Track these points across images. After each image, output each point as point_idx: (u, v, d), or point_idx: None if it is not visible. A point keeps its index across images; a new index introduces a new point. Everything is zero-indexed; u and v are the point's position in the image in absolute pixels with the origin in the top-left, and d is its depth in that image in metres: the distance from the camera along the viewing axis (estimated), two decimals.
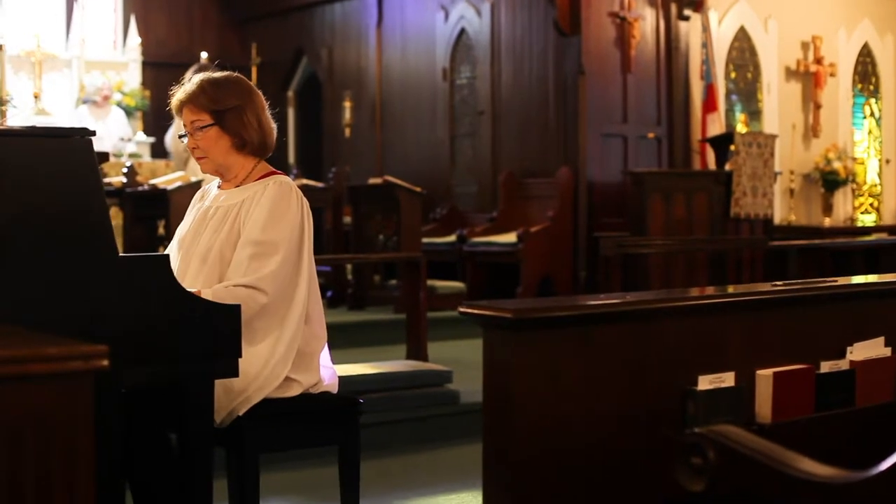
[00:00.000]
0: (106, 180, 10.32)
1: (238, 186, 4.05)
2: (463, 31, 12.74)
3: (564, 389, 2.98)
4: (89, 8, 15.10)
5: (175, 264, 3.98)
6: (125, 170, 10.27)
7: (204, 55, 13.50)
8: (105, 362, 2.18)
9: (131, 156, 13.32)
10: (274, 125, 4.12)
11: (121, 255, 3.28)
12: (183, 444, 3.56)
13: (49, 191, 3.18)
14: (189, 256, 3.98)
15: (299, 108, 14.90)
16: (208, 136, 3.97)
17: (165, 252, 4.01)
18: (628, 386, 3.13)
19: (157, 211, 9.42)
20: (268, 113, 4.08)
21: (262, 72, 15.02)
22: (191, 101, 3.99)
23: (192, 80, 4.06)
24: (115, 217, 11.36)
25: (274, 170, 4.10)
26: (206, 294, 3.68)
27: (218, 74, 4.07)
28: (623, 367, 3.11)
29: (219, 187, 4.15)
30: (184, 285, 3.83)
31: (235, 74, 4.12)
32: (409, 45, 13.45)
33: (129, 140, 13.71)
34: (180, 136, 4.11)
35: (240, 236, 3.90)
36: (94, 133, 3.22)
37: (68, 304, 3.18)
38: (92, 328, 3.18)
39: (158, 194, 9.44)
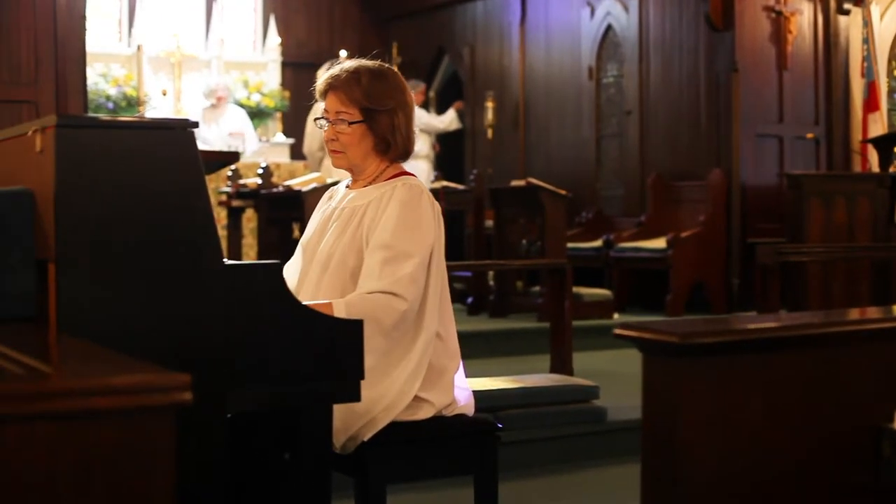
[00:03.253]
0: (241, 181, 10.13)
1: (366, 186, 3.68)
2: (609, 27, 12.32)
3: (736, 424, 2.54)
4: (229, 8, 15.05)
5: (297, 269, 3.64)
6: (260, 171, 10.06)
7: (344, 54, 13.26)
8: (188, 395, 1.81)
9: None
10: (417, 130, 3.74)
11: (227, 262, 2.90)
12: (297, 473, 3.18)
13: (148, 189, 2.81)
14: (310, 262, 3.63)
15: (441, 108, 14.63)
16: (353, 134, 3.62)
17: (292, 261, 3.67)
18: (810, 421, 2.67)
19: (291, 213, 9.21)
20: (414, 116, 3.71)
21: (403, 71, 14.60)
22: (342, 89, 3.63)
23: (344, 66, 3.68)
24: (251, 219, 11.20)
25: (405, 171, 3.74)
26: (340, 305, 3.32)
27: (374, 65, 3.68)
28: (804, 399, 2.65)
29: (347, 186, 3.78)
30: (303, 293, 3.48)
31: (393, 68, 3.73)
32: (554, 42, 13.07)
33: (242, 139, 13.46)
34: (316, 119, 3.73)
35: (363, 242, 3.53)
36: (196, 125, 2.86)
37: (167, 317, 2.81)
38: (193, 345, 2.81)
39: (293, 196, 9.22)
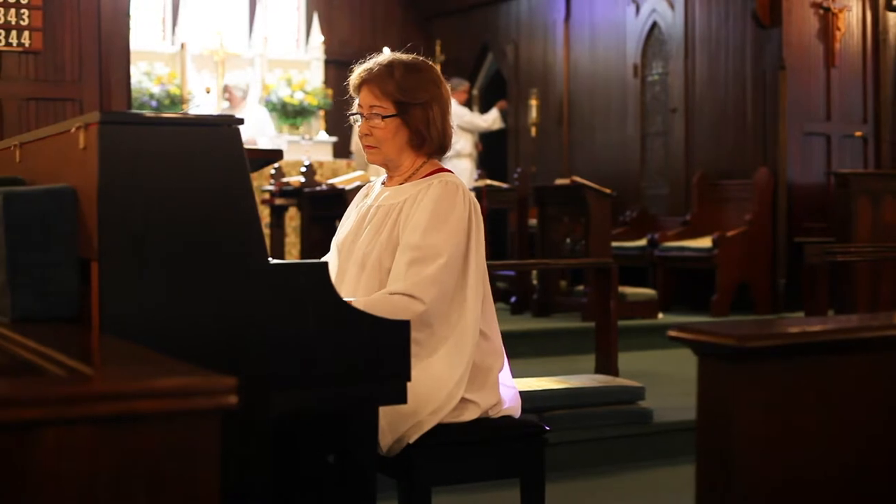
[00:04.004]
0: (284, 179, 10.11)
1: (402, 184, 3.62)
2: (655, 24, 12.21)
3: (795, 433, 2.47)
4: (272, 7, 15.04)
5: (334, 268, 3.58)
6: (304, 169, 10.02)
7: (387, 51, 13.20)
8: (233, 399, 1.75)
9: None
10: (453, 124, 3.67)
11: (272, 261, 2.85)
12: (342, 476, 3.12)
13: (192, 187, 2.76)
14: (347, 261, 3.57)
15: (484, 106, 14.56)
16: (387, 128, 3.55)
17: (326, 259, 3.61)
18: (869, 425, 2.59)
19: (334, 211, 9.17)
20: (450, 110, 3.63)
21: (446, 70, 14.73)
22: (376, 83, 3.56)
23: (378, 59, 3.61)
24: (293, 218, 11.18)
25: (442, 167, 3.66)
26: (360, 303, 3.25)
27: (408, 58, 3.61)
28: (870, 407, 2.57)
29: (382, 183, 3.72)
30: (342, 293, 3.42)
31: (428, 61, 3.66)
32: (598, 40, 12.98)
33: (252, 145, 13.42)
34: (350, 114, 3.68)
35: (399, 241, 3.47)
36: (241, 122, 2.80)
37: (211, 317, 2.76)
38: (237, 346, 2.76)
39: (336, 194, 9.18)
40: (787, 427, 2.45)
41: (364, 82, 3.59)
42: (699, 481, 2.52)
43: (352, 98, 3.68)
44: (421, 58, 3.66)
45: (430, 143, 3.59)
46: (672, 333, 2.47)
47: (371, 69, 3.58)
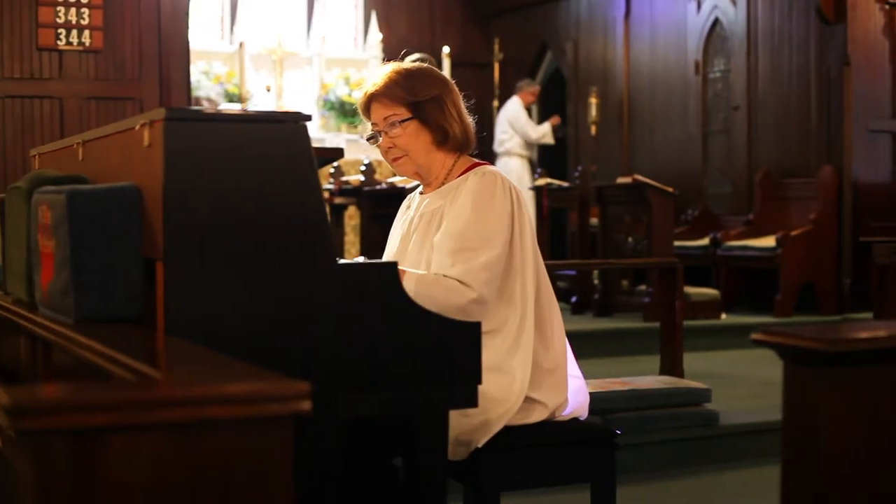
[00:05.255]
0: (344, 178, 10.07)
1: (440, 188, 3.55)
2: (717, 21, 12.07)
3: (886, 439, 2.37)
4: (330, 5, 15.02)
5: None
6: (363, 167, 9.98)
7: (446, 50, 13.17)
8: (307, 405, 1.69)
9: None
10: (471, 120, 3.60)
11: (341, 261, 2.78)
12: (411, 481, 3.05)
13: (259, 185, 2.69)
14: None
15: (543, 104, 14.48)
16: (407, 133, 3.48)
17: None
18: None
19: (394, 209, 9.08)
20: (464, 106, 3.57)
21: (505, 68, 14.70)
22: (383, 94, 3.50)
23: (378, 73, 3.56)
24: (352, 217, 11.15)
25: (477, 161, 3.59)
26: (410, 277, 3.18)
27: (408, 64, 3.58)
28: None
29: (421, 192, 3.65)
30: None
31: (426, 65, 3.62)
32: (659, 37, 12.86)
33: None
34: (369, 139, 3.62)
35: None
36: (309, 118, 2.74)
37: (278, 319, 2.69)
38: (305, 348, 2.70)
39: (396, 193, 9.12)
40: (877, 433, 2.36)
41: (371, 99, 3.53)
42: (784, 488, 2.43)
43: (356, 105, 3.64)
44: (417, 63, 3.62)
45: (453, 137, 3.52)
46: (757, 337, 2.38)
47: (375, 84, 3.53)
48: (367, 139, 3.63)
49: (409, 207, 3.70)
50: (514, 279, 3.39)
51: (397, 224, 3.71)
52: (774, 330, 2.33)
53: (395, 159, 3.55)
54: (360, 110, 3.61)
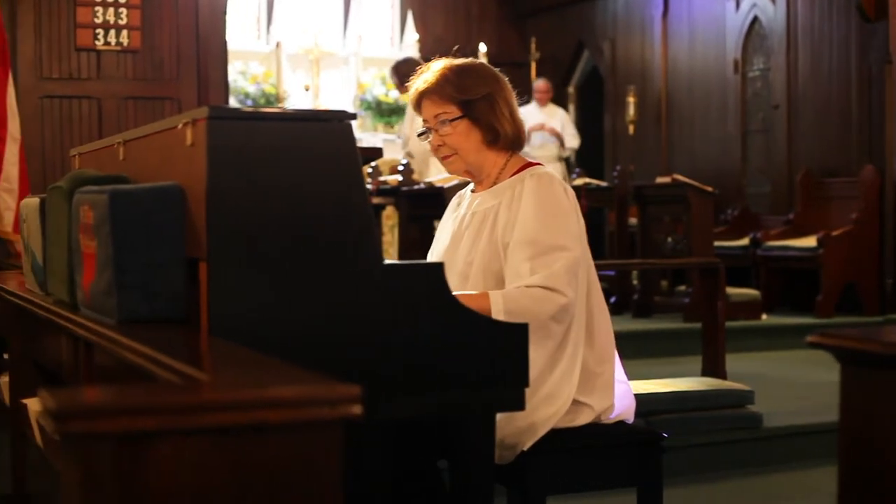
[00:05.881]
0: (381, 178, 10.03)
1: (492, 187, 3.50)
2: (756, 19, 11.97)
3: None
4: (366, 5, 15.01)
5: None
6: (401, 167, 9.93)
7: (483, 49, 13.12)
8: (357, 409, 1.65)
9: None
10: (523, 118, 3.55)
11: (386, 262, 2.74)
12: (457, 484, 3.01)
13: (304, 184, 2.65)
14: (448, 270, 3.45)
15: (580, 104, 14.43)
16: (458, 131, 3.44)
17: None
18: None
19: (432, 210, 9.06)
20: (517, 105, 3.52)
21: (542, 67, 14.64)
22: (434, 91, 3.46)
23: (430, 69, 3.51)
24: (391, 217, 11.11)
25: (529, 161, 3.55)
26: (497, 297, 3.14)
27: (460, 61, 3.52)
28: None
29: (472, 191, 3.61)
30: None
31: (479, 61, 3.57)
32: (697, 36, 12.78)
33: None
34: (419, 135, 3.57)
35: (499, 244, 3.34)
36: (354, 116, 2.70)
37: (323, 319, 2.65)
38: (350, 350, 2.66)
39: (434, 193, 9.07)
40: None
41: (423, 95, 3.50)
42: (842, 491, 2.37)
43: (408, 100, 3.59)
44: (471, 59, 3.58)
45: (504, 136, 3.48)
46: (812, 339, 2.32)
47: (426, 80, 3.49)
48: (419, 135, 3.59)
49: (459, 205, 3.65)
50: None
51: (447, 221, 3.66)
52: (831, 332, 2.28)
53: (446, 157, 3.51)
54: (411, 105, 3.57)
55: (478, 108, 3.43)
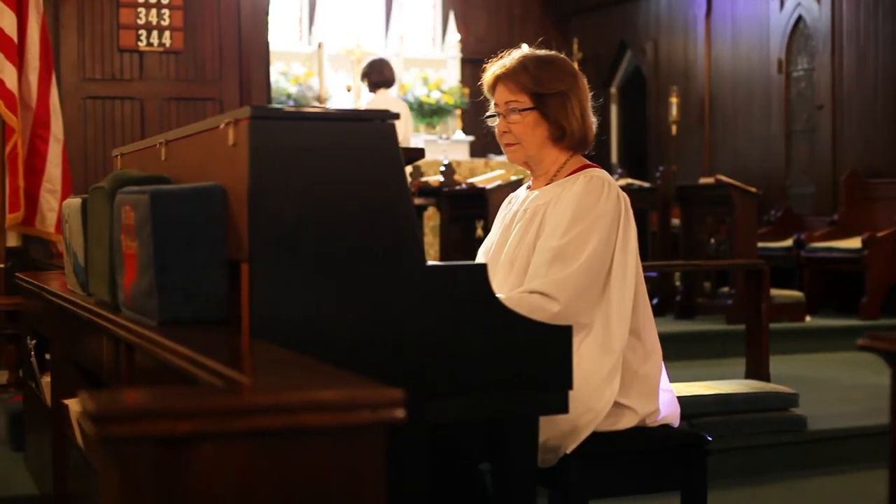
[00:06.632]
0: (423, 179, 10.01)
1: (548, 184, 3.47)
2: (800, 18, 11.90)
3: None
4: (408, 5, 15.00)
5: None
6: (442, 168, 9.92)
7: (525, 48, 13.07)
8: (400, 412, 1.63)
9: None
10: (595, 119, 3.51)
11: (428, 263, 2.71)
12: (499, 487, 2.98)
13: (346, 185, 2.63)
14: (494, 266, 3.42)
15: (622, 104, 14.37)
16: (525, 122, 3.41)
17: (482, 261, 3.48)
18: None
19: (474, 210, 9.04)
20: (590, 104, 3.48)
21: (584, 67, 14.56)
22: (510, 77, 3.42)
23: (511, 55, 3.48)
24: (432, 217, 11.09)
25: (589, 163, 3.51)
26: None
27: (542, 52, 3.49)
28: None
29: (528, 188, 3.57)
30: None
31: (561, 55, 3.52)
32: (741, 35, 12.71)
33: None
34: (487, 117, 3.55)
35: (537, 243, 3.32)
36: (397, 116, 2.67)
37: (365, 322, 2.63)
38: (392, 352, 2.64)
39: (476, 193, 9.05)
40: None
41: (498, 79, 3.47)
42: (893, 498, 2.33)
43: (487, 100, 3.56)
44: (554, 52, 3.53)
45: (570, 135, 3.44)
46: (863, 342, 2.28)
47: (504, 65, 3.46)
48: (486, 117, 3.57)
49: (510, 202, 3.63)
50: (613, 285, 3.31)
51: (498, 218, 3.64)
52: (881, 335, 2.24)
53: (508, 145, 3.49)
54: (485, 87, 3.54)
55: (550, 103, 3.40)
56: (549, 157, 3.49)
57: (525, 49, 3.51)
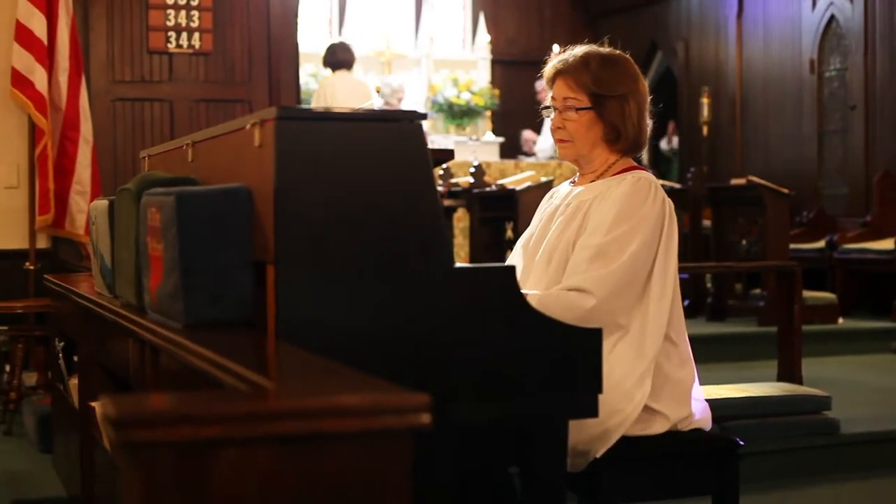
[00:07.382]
0: (453, 180, 9.99)
1: (594, 181, 3.44)
2: (832, 18, 11.82)
3: None
4: (438, 7, 15.00)
5: (519, 268, 3.40)
6: (472, 169, 9.89)
7: (556, 49, 13.04)
8: (426, 418, 1.60)
9: None
10: (650, 122, 3.47)
11: (457, 265, 2.68)
12: (528, 492, 2.94)
13: (373, 186, 2.61)
14: (533, 259, 3.40)
15: (654, 105, 14.29)
16: (580, 121, 3.38)
17: (510, 262, 3.44)
18: None
19: (504, 212, 9.02)
20: (648, 108, 3.44)
21: None
22: (571, 74, 3.39)
23: (573, 51, 3.44)
24: (462, 219, 11.07)
25: (637, 165, 3.47)
26: (533, 298, 3.07)
27: (605, 51, 3.45)
28: None
29: (572, 183, 3.54)
30: (525, 289, 3.24)
31: (626, 55, 3.48)
32: (773, 35, 12.63)
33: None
34: (543, 108, 3.51)
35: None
36: (424, 117, 2.64)
37: (393, 324, 2.60)
38: (420, 354, 2.61)
39: (506, 195, 9.02)
40: None
41: (558, 74, 3.43)
42: None
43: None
44: (618, 51, 3.48)
45: (624, 138, 3.40)
46: None
47: (566, 60, 3.42)
48: (541, 108, 3.54)
49: (552, 197, 3.60)
50: (653, 289, 3.28)
51: (539, 212, 3.62)
52: None
53: (561, 140, 3.47)
54: (544, 79, 3.51)
55: (608, 105, 3.37)
56: (600, 158, 3.46)
57: (589, 46, 3.47)
